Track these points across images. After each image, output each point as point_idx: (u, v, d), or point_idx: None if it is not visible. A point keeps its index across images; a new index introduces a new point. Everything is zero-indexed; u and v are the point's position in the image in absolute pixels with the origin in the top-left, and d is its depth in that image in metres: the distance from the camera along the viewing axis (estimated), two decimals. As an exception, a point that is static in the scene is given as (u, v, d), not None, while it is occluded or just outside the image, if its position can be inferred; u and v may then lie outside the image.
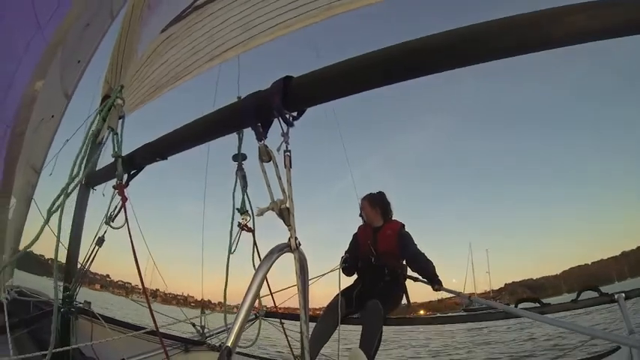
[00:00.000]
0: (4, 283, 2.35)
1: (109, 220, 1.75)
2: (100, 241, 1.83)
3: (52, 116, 2.13)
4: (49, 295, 2.50)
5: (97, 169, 1.92)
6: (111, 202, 1.53)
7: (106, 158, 1.89)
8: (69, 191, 1.40)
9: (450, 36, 0.93)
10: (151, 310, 1.44)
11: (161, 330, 2.15)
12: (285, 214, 0.96)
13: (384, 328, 2.27)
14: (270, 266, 0.85)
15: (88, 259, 1.88)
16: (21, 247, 2.40)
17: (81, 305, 2.20)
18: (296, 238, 0.93)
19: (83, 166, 1.46)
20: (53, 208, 1.38)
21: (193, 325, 2.41)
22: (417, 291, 2.82)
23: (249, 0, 1.39)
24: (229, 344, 0.69)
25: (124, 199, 1.38)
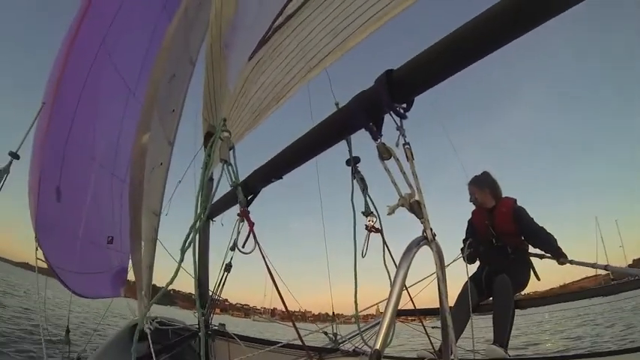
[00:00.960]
0: (146, 315, 2.64)
1: (235, 246, 1.88)
2: (228, 267, 1.96)
3: (161, 164, 2.36)
4: (184, 322, 2.77)
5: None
6: (239, 229, 1.61)
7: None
8: (197, 227, 1.53)
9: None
10: (295, 326, 1.50)
11: (293, 342, 2.25)
12: (415, 208, 0.93)
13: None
14: (411, 261, 0.81)
15: (219, 285, 2.03)
16: (155, 283, 2.69)
17: (216, 328, 2.38)
18: (431, 229, 0.89)
19: (203, 202, 1.58)
20: (186, 246, 1.51)
21: (325, 333, 2.49)
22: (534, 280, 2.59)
23: (330, 5, 1.38)
24: (378, 347, 0.66)
25: (251, 224, 1.45)
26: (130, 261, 3.10)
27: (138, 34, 3.05)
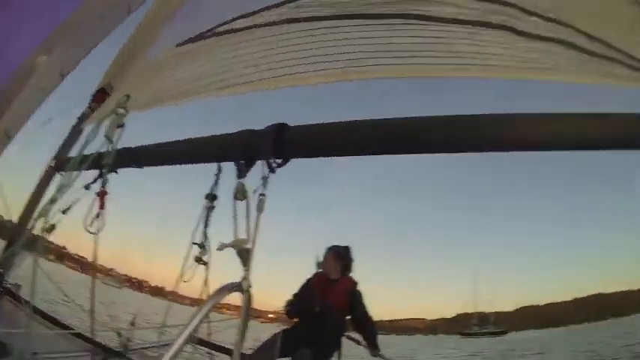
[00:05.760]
0: None
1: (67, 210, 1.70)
2: (51, 228, 1.74)
3: (42, 89, 2.10)
4: None
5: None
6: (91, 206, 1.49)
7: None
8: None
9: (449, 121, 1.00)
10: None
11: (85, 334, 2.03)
12: (244, 255, 0.96)
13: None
14: (217, 302, 0.83)
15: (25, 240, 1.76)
16: None
17: (9, 287, 2.04)
18: (249, 281, 0.92)
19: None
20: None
21: (119, 334, 2.32)
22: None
23: (269, 42, 1.44)
24: None
25: (102, 207, 1.37)
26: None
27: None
